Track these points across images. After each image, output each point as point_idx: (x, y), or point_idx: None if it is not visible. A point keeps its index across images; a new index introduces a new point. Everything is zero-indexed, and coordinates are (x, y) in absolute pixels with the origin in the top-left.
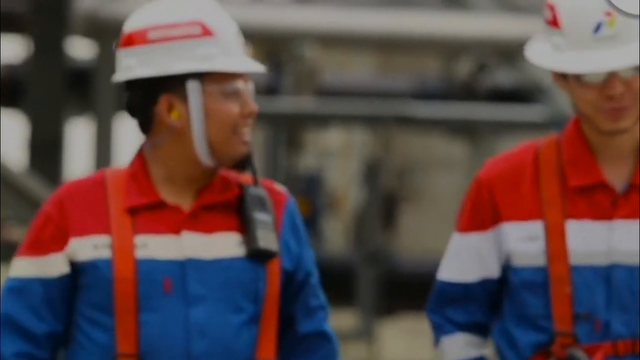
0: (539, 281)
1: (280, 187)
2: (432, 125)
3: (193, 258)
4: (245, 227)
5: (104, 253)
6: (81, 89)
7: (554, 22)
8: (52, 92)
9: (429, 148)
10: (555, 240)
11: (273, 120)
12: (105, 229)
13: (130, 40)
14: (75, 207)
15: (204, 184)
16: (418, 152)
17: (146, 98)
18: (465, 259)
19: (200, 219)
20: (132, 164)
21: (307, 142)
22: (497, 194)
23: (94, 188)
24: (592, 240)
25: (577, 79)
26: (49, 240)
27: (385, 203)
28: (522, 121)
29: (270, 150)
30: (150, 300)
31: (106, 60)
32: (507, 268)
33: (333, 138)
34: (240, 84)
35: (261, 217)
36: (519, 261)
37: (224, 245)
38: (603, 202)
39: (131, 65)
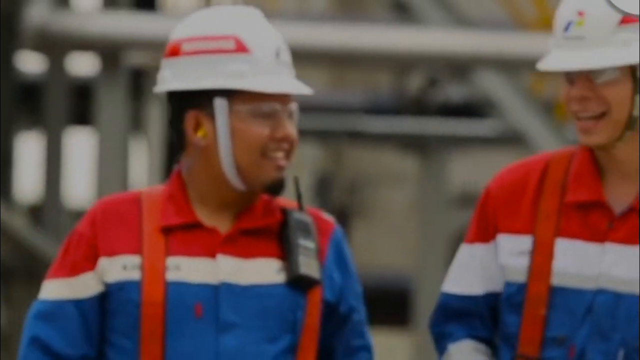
0: (519, 299)
1: (327, 216)
2: (383, 139)
3: (227, 283)
4: (286, 254)
5: (134, 274)
6: (31, 103)
7: None
8: (2, 107)
9: (380, 163)
10: (541, 257)
11: None
12: (136, 249)
13: (168, 51)
14: (108, 225)
15: (242, 207)
16: (369, 167)
17: (176, 114)
18: (470, 271)
19: (238, 243)
20: (170, 183)
21: None
22: (499, 204)
23: (129, 206)
24: (583, 262)
25: (564, 80)
26: (81, 260)
27: (336, 218)
28: (474, 136)
29: None
30: (179, 325)
31: (56, 74)
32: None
33: None
34: (273, 106)
35: (304, 243)
36: (507, 276)
37: (262, 271)
38: (599, 223)
39: (165, 78)
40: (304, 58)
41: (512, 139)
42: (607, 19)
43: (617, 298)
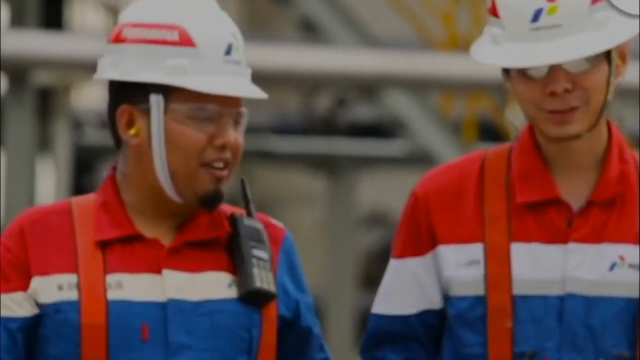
0: (477, 314)
1: (276, 222)
2: (292, 159)
3: (176, 299)
4: (238, 266)
5: (70, 294)
6: None
7: (493, 11)
8: None
9: (288, 183)
10: (497, 265)
11: None
12: (71, 266)
13: (111, 36)
14: (38, 239)
15: (186, 217)
16: (278, 187)
17: (112, 107)
18: (402, 289)
19: (185, 256)
20: (102, 190)
21: None
22: (434, 211)
23: (59, 217)
24: (544, 267)
25: (521, 74)
26: (14, 276)
27: None
28: (382, 156)
29: None
30: (124, 350)
31: None
32: (446, 299)
33: None
34: (215, 108)
35: (257, 254)
36: (456, 290)
37: (213, 285)
38: (557, 222)
39: (103, 65)
40: None
41: (421, 159)
42: (581, 1)
43: (588, 303)
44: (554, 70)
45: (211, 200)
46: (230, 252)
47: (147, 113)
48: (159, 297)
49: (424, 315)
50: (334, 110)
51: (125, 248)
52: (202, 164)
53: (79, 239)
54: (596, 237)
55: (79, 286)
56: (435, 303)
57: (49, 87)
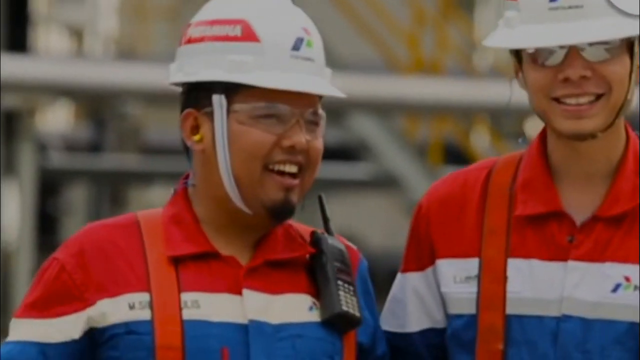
0: (469, 334)
1: (350, 244)
2: None
3: (257, 321)
4: (321, 287)
5: (143, 314)
6: None
7: None
8: None
9: None
10: (491, 282)
11: (96, 177)
12: (142, 284)
13: (180, 39)
14: (102, 258)
15: (262, 233)
16: None
17: (180, 112)
18: (404, 305)
19: (263, 276)
20: (172, 203)
21: (131, 199)
22: (435, 223)
23: (125, 233)
24: (542, 285)
25: (534, 61)
26: (61, 297)
27: None
28: (348, 179)
29: (93, 207)
30: None
31: None
32: (447, 316)
33: (156, 195)
34: (280, 107)
35: (342, 276)
36: (453, 308)
37: (293, 308)
38: (558, 237)
39: (171, 70)
40: (175, 101)
41: (387, 182)
42: None
43: (585, 325)
44: (570, 55)
45: (279, 211)
46: (310, 273)
47: (210, 116)
48: (239, 318)
49: (426, 333)
50: None
51: (200, 265)
52: (268, 168)
53: (150, 255)
54: (599, 255)
55: (151, 305)
56: (439, 321)
57: (13, 110)
